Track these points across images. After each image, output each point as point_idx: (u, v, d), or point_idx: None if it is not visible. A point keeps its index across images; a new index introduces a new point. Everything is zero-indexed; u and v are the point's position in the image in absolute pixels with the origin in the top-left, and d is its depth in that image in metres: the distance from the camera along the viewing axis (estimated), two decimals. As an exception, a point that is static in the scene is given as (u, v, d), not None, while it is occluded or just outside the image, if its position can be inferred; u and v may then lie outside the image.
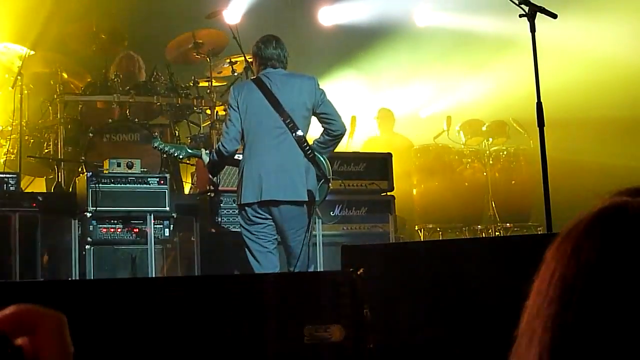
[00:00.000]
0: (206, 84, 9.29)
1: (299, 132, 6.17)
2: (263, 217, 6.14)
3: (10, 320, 0.72)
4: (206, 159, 6.49)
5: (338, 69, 11.45)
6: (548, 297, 0.86)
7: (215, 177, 7.52)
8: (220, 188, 7.57)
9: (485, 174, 9.53)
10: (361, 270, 3.53)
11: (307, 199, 6.14)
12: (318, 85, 6.36)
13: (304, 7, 11.83)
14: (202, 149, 6.76)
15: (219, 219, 7.52)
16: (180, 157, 6.92)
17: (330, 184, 6.47)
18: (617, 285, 0.82)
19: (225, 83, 9.53)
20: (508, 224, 9.33)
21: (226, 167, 7.18)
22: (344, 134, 6.50)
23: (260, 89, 6.23)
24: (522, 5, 5.89)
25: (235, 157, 6.33)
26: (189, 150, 6.78)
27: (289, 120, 6.15)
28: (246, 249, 6.23)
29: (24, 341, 0.72)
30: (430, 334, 3.97)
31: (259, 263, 6.14)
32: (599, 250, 0.84)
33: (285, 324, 3.40)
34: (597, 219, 0.88)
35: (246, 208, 6.14)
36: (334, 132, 6.34)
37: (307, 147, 6.20)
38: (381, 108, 10.85)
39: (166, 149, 6.64)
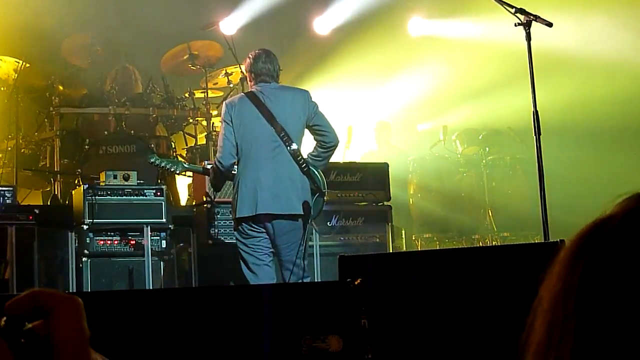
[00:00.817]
0: (202, 95, 9.31)
1: (294, 146, 6.17)
2: (259, 230, 6.14)
3: (26, 304, 0.72)
4: (205, 172, 6.53)
5: (333, 78, 11.45)
6: (581, 303, 0.83)
7: (213, 190, 7.52)
8: (216, 200, 7.57)
9: (481, 183, 9.53)
10: (359, 281, 3.52)
11: (302, 213, 6.13)
12: (311, 98, 6.37)
13: (299, 18, 11.83)
14: (206, 162, 6.81)
15: (216, 231, 7.51)
16: (177, 171, 6.94)
17: (325, 198, 6.48)
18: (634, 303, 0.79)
19: (221, 94, 9.55)
20: (505, 233, 9.32)
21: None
22: (336, 146, 6.49)
23: (253, 103, 6.23)
24: (518, 14, 5.90)
25: (233, 172, 6.33)
26: (185, 165, 6.83)
27: (283, 134, 6.15)
28: (241, 262, 6.22)
29: (39, 324, 0.71)
30: (427, 343, 3.97)
31: (255, 275, 6.13)
32: (630, 256, 0.81)
33: (283, 334, 3.40)
34: (623, 223, 0.85)
35: (242, 223, 6.14)
36: (327, 144, 6.36)
37: (302, 161, 6.20)
38: (379, 121, 10.85)
39: (162, 164, 6.66)
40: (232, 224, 6.99)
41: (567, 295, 0.84)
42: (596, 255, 0.84)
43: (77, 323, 0.72)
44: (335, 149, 6.47)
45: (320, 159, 6.37)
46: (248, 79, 6.52)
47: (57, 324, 0.71)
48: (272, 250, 6.23)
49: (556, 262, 0.88)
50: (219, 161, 6.26)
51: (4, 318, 0.71)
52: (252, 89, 6.36)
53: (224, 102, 6.63)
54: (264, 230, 6.14)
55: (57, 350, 0.70)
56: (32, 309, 0.72)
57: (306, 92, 6.43)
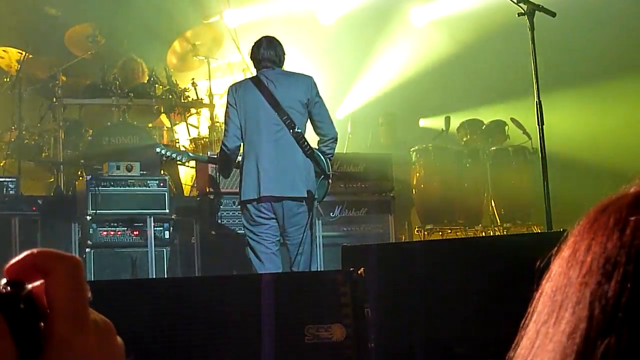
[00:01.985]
0: (205, 85, 9.32)
1: (297, 129, 6.19)
2: (267, 216, 6.14)
3: (25, 265, 0.70)
4: (211, 160, 6.57)
5: (339, 69, 11.44)
6: (585, 266, 0.83)
7: (219, 179, 7.52)
8: (220, 190, 7.57)
9: (484, 174, 9.52)
10: (362, 270, 3.53)
11: (306, 196, 6.15)
12: (314, 84, 6.39)
13: (304, 7, 11.78)
14: (208, 152, 6.82)
15: (219, 221, 7.52)
16: (183, 160, 6.96)
17: (330, 180, 6.48)
18: None
19: (224, 84, 9.55)
20: (508, 224, 9.32)
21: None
22: (335, 139, 6.51)
23: (257, 87, 6.26)
24: (521, 4, 5.89)
25: (239, 159, 6.35)
26: (191, 155, 6.84)
27: (286, 117, 6.18)
28: (249, 250, 6.23)
29: (38, 285, 0.70)
30: (430, 332, 3.98)
31: (262, 263, 6.15)
32: None
33: (286, 323, 3.40)
34: None
35: (248, 206, 6.15)
36: (324, 137, 6.42)
37: (306, 144, 6.22)
38: (384, 113, 10.80)
39: (168, 153, 6.67)
40: (236, 214, 7.02)
41: (570, 266, 0.85)
42: (605, 229, 0.84)
43: (75, 282, 0.70)
44: (333, 141, 6.49)
45: (324, 152, 6.42)
46: (253, 66, 6.55)
47: (54, 283, 0.69)
48: (279, 239, 6.25)
49: (575, 233, 0.88)
50: (224, 143, 6.30)
51: (4, 282, 0.70)
52: (257, 73, 6.39)
53: (229, 86, 6.65)
54: (273, 216, 6.15)
55: (53, 310, 0.69)
56: (30, 268, 0.70)
57: (310, 77, 6.45)
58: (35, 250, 0.71)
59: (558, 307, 0.84)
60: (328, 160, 6.47)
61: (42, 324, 0.69)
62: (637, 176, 0.90)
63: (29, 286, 0.69)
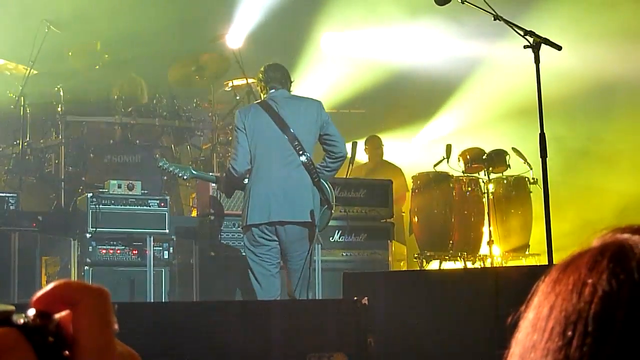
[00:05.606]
0: (208, 106, 9.33)
1: (306, 155, 6.21)
2: (269, 238, 6.15)
3: (51, 296, 0.70)
4: (214, 180, 6.55)
5: (339, 94, 11.48)
6: (547, 331, 0.84)
7: (221, 199, 7.50)
8: (223, 212, 7.55)
9: (484, 202, 9.52)
10: (365, 299, 3.53)
11: (311, 220, 6.16)
12: (323, 108, 6.43)
13: (307, 32, 11.81)
14: (209, 173, 6.81)
15: (219, 243, 7.50)
16: (185, 177, 6.93)
17: (332, 211, 6.49)
18: (622, 324, 0.80)
19: (227, 106, 9.57)
20: (508, 254, 9.30)
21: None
22: (345, 157, 6.56)
23: (267, 112, 6.28)
24: (527, 37, 5.91)
25: (245, 181, 6.34)
26: (194, 172, 6.79)
27: (296, 143, 6.19)
28: (249, 271, 6.23)
29: (63, 315, 0.70)
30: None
31: (260, 286, 6.14)
32: (603, 286, 0.83)
33: (289, 351, 3.40)
34: (600, 254, 0.86)
35: (252, 228, 6.15)
36: (335, 154, 6.40)
37: (314, 171, 6.23)
38: (369, 137, 10.82)
39: (171, 169, 6.65)
40: (235, 236, 7.00)
41: (534, 328, 0.86)
42: (565, 291, 0.85)
43: (102, 315, 0.69)
44: (343, 159, 6.54)
45: (328, 169, 6.42)
46: (260, 90, 6.57)
47: (81, 316, 0.69)
48: (279, 261, 6.24)
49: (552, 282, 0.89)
50: (233, 167, 6.28)
51: (33, 312, 0.69)
52: (265, 98, 6.40)
53: (237, 110, 6.65)
54: (276, 239, 6.15)
55: (80, 343, 0.69)
56: (57, 300, 0.70)
57: (318, 102, 6.49)
58: (62, 282, 0.71)
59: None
60: (332, 190, 6.49)
61: (67, 352, 0.69)
62: (602, 229, 0.91)
63: (56, 316, 0.70)
